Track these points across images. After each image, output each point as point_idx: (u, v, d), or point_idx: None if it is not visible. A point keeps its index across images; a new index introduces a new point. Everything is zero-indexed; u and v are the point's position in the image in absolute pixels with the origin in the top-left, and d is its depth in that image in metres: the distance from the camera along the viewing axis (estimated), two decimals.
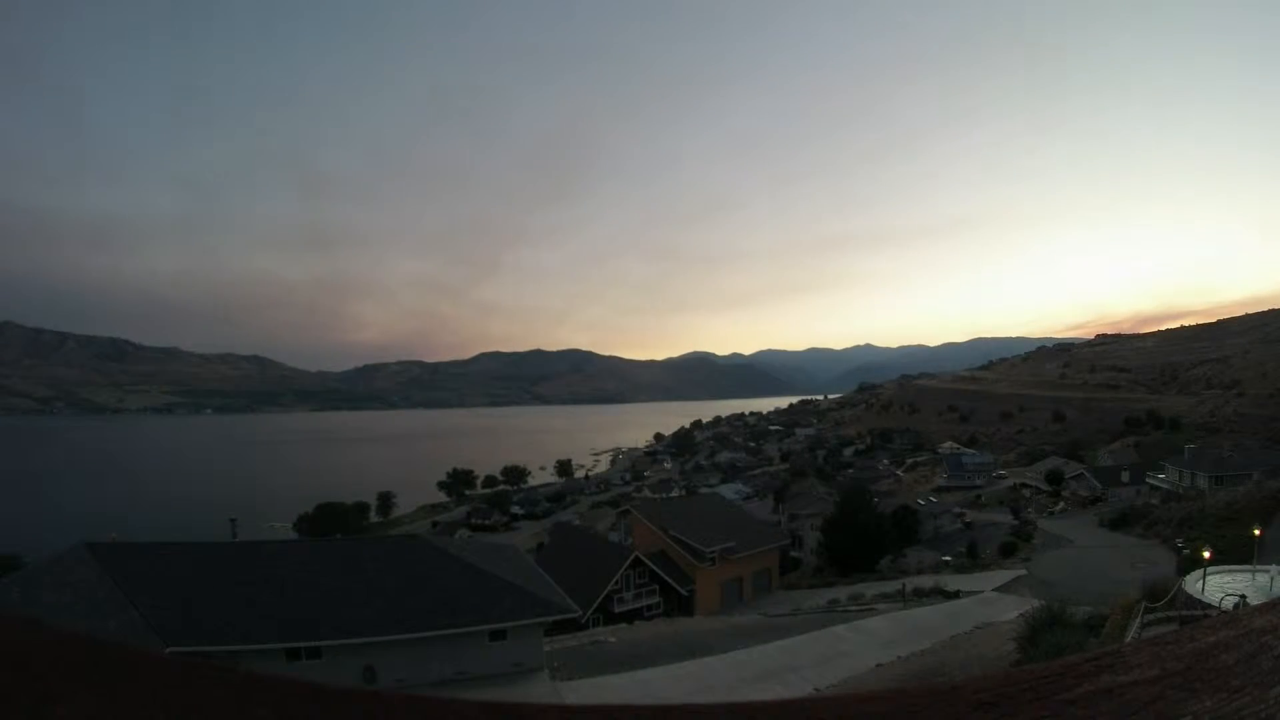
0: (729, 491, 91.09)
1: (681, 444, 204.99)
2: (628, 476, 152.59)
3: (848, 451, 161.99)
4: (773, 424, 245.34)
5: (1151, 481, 63.03)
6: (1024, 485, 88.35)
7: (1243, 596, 11.86)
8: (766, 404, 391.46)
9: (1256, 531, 19.76)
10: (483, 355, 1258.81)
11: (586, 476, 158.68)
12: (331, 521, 77.84)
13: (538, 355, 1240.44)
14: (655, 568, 35.82)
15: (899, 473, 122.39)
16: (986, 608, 26.21)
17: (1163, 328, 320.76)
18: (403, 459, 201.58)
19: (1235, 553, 19.67)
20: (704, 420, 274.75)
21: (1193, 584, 14.14)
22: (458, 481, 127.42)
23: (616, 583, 33.68)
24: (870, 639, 21.13)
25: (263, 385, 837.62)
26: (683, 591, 36.94)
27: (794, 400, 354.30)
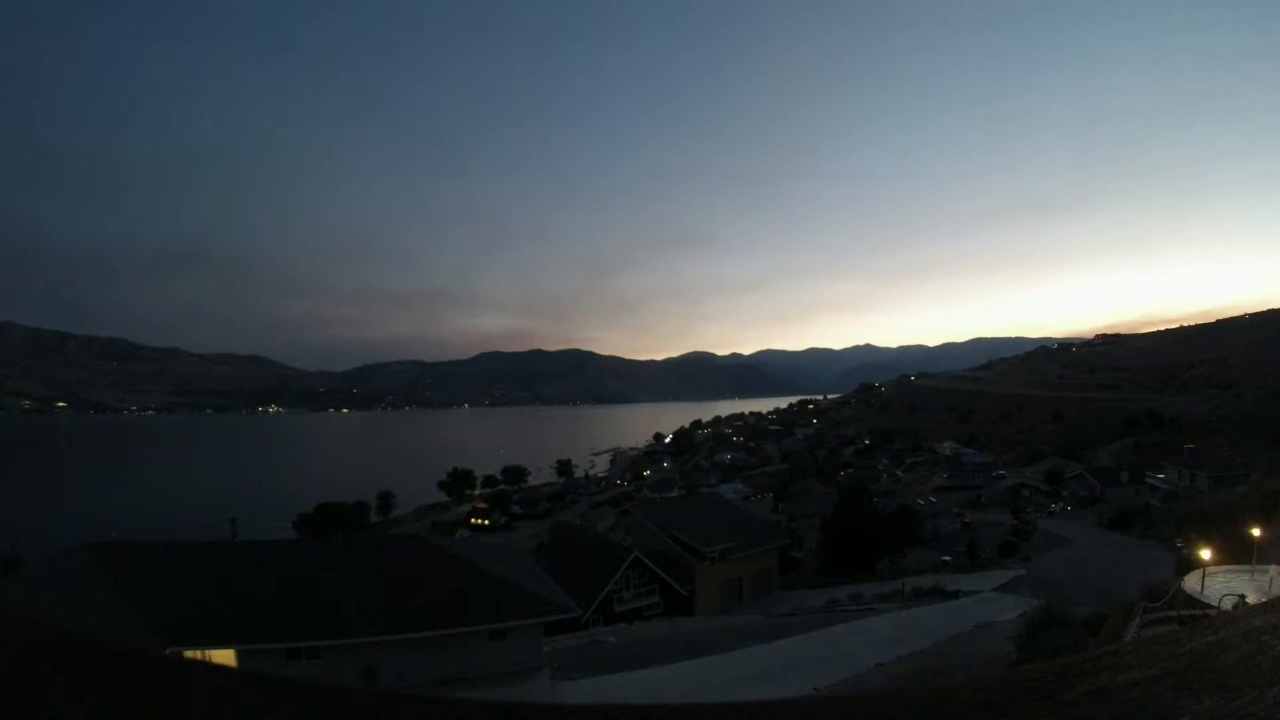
0: (729, 491, 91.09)
1: (681, 444, 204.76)
2: (628, 476, 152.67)
3: (847, 451, 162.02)
4: (772, 424, 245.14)
5: (1151, 481, 63.10)
6: (1023, 485, 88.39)
7: (1242, 596, 11.83)
8: (766, 404, 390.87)
9: (1256, 531, 19.71)
10: (483, 355, 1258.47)
11: (586, 476, 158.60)
12: (331, 521, 77.69)
13: (538, 355, 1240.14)
14: (655, 568, 35.77)
15: (899, 473, 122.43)
16: (986, 608, 26.18)
17: (1163, 328, 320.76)
18: (403, 459, 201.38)
19: (1235, 553, 19.64)
20: (704, 420, 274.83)
21: (1192, 584, 14.12)
22: (458, 481, 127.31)
23: (616, 582, 33.64)
24: (870, 639, 21.08)
25: (263, 385, 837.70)
26: (682, 591, 36.89)
27: (794, 400, 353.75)
